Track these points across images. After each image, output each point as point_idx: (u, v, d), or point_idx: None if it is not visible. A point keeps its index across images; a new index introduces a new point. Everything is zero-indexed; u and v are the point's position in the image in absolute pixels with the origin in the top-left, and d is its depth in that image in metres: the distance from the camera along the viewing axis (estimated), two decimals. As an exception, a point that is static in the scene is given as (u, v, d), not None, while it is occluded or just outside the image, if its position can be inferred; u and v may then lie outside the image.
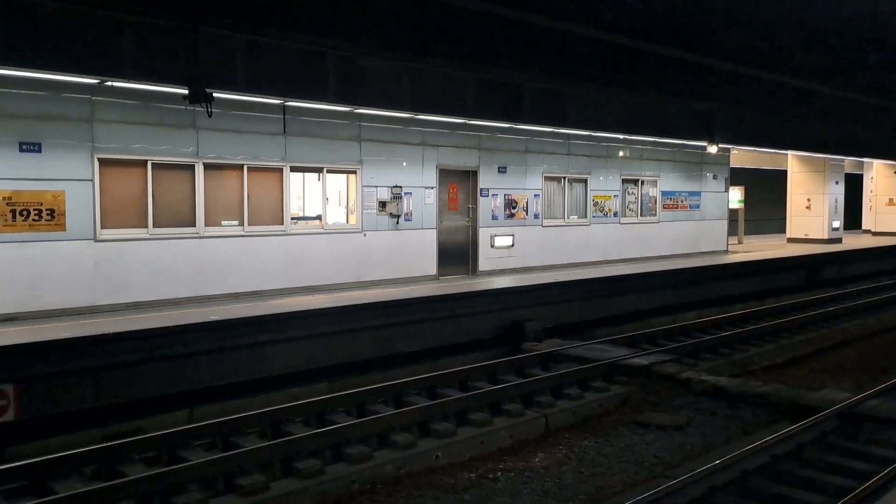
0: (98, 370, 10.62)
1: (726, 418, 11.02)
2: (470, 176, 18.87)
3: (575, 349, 14.22)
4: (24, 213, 12.15)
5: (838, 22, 13.37)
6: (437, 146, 17.92)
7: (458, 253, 18.73)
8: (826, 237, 30.15)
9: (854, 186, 36.89)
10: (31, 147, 12.20)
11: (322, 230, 16.17)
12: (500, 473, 8.99)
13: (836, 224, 30.81)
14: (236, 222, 14.77)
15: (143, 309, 13.21)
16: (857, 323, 18.44)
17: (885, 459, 8.80)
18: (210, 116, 11.42)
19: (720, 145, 21.44)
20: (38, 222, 12.30)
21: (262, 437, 9.77)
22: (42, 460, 8.39)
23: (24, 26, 9.90)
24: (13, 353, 9.98)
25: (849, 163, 32.69)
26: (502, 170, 19.44)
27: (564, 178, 21.18)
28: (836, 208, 30.72)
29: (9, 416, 9.75)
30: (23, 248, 12.20)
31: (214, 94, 10.96)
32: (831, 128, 24.61)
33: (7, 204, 11.98)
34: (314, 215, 16.54)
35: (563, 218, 21.28)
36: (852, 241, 31.34)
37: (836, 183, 30.67)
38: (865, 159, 33.89)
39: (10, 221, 12.02)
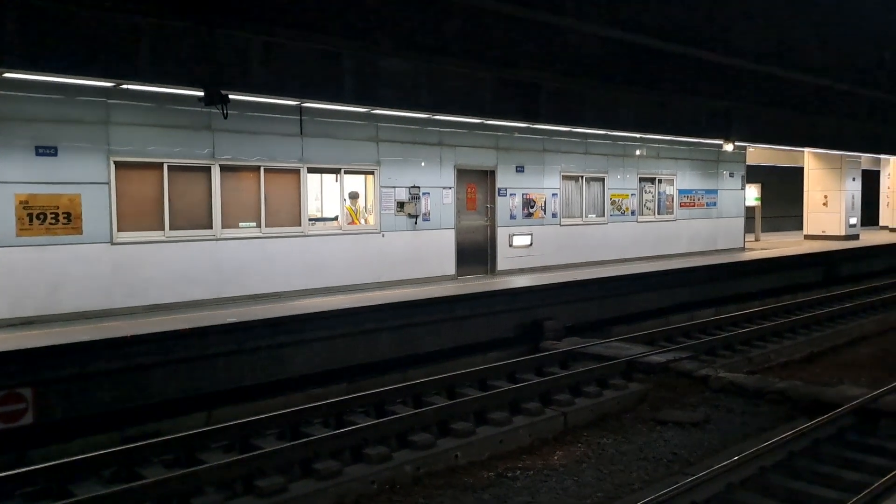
0: (116, 373, 10.65)
1: (744, 415, 10.98)
2: (488, 176, 18.85)
3: (593, 347, 14.20)
4: (41, 216, 12.18)
5: (849, 20, 13.31)
6: (455, 146, 17.91)
7: (476, 252, 18.71)
8: (843, 234, 30.11)
9: (871, 183, 36.62)
10: (47, 150, 12.24)
11: (340, 231, 16.18)
12: (519, 472, 8.96)
13: (853, 220, 30.72)
14: (254, 224, 14.77)
15: (160, 311, 13.23)
16: (874, 319, 18.32)
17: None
18: (226, 118, 11.38)
19: (737, 143, 21.32)
20: (54, 226, 12.34)
21: (280, 438, 9.76)
22: (61, 463, 8.41)
23: (40, 30, 9.88)
24: (32, 356, 10.02)
25: (865, 159, 32.57)
26: (520, 169, 19.41)
27: (582, 177, 21.15)
28: (852, 205, 30.62)
29: (27, 419, 9.79)
30: (40, 251, 12.25)
31: (230, 96, 10.94)
32: (848, 124, 24.43)
33: (24, 208, 12.02)
34: (332, 216, 16.55)
35: (581, 217, 21.25)
36: (869, 238, 31.19)
37: (853, 179, 30.58)
38: (882, 156, 33.57)
39: (27, 225, 12.06)
